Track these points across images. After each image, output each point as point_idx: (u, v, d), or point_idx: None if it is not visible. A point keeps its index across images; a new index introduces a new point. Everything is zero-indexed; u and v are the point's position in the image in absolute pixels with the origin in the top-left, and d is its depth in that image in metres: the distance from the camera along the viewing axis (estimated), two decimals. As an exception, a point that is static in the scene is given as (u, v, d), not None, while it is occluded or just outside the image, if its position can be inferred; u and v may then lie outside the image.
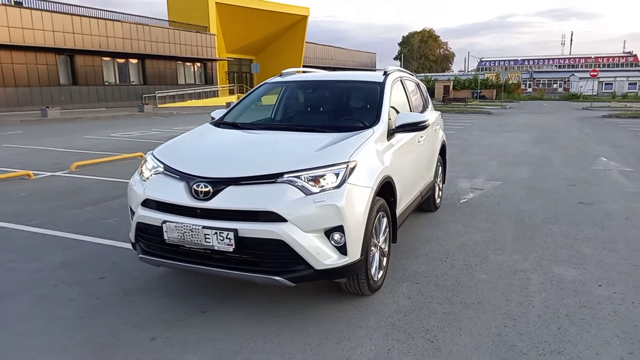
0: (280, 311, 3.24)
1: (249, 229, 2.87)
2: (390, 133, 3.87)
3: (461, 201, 6.40)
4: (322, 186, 2.98)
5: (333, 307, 3.30)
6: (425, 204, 5.65)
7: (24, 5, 24.02)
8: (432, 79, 63.91)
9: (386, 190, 3.62)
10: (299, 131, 3.77)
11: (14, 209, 5.84)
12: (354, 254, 3.04)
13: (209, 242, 2.94)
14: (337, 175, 3.03)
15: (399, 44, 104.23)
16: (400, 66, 60.26)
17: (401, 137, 4.07)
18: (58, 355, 2.72)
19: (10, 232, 4.97)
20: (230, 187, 2.97)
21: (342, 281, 3.29)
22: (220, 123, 4.23)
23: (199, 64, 34.83)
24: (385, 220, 3.59)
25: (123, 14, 29.14)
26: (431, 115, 5.54)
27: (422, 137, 4.68)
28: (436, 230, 5.09)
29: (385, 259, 3.68)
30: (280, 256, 2.92)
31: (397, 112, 4.18)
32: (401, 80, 4.78)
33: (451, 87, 55.63)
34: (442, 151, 5.98)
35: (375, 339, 2.89)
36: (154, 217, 3.12)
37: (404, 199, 4.16)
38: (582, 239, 4.80)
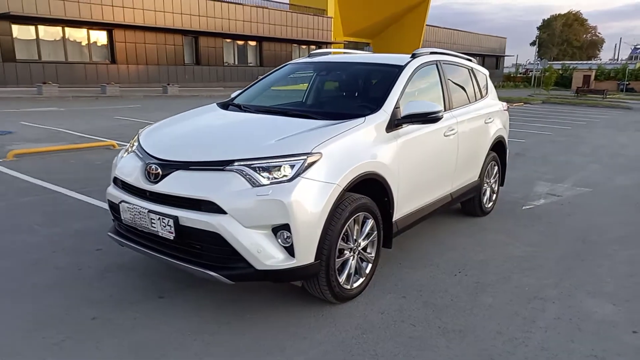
0: (233, 308, 3.03)
1: (188, 217, 2.69)
2: (396, 124, 3.40)
3: (524, 208, 5.57)
4: (275, 178, 2.69)
5: (291, 312, 3.01)
6: (469, 207, 5.01)
7: (157, -11, 26.22)
8: (571, 67, 57.89)
9: (374, 188, 3.20)
10: (293, 116, 3.45)
11: (77, 176, 6.34)
12: (305, 256, 2.71)
13: (155, 228, 2.83)
14: (292, 167, 2.71)
15: (538, 28, 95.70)
16: (537, 53, 55.47)
17: (413, 129, 3.56)
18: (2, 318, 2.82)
19: (59, 197, 5.39)
20: (178, 171, 2.81)
21: (298, 285, 2.99)
22: (229, 104, 4.09)
23: (314, 47, 35.28)
24: (370, 222, 3.18)
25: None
26: (483, 107, 4.85)
27: (452, 130, 4.08)
28: (469, 238, 4.46)
29: (370, 265, 3.28)
30: (220, 251, 2.70)
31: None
32: (437, 65, 4.21)
33: (592, 77, 49.85)
34: (499, 148, 5.22)
35: (309, 355, 2.56)
36: (117, 195, 3.09)
37: (413, 200, 3.68)
38: (652, 268, 3.87)
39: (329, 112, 3.57)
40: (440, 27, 46.76)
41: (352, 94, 4.07)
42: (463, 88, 4.63)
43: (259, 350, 2.60)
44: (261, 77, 4.53)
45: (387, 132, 3.33)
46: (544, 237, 4.55)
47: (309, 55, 4.67)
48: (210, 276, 2.69)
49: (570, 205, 5.72)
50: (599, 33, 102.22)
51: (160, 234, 2.81)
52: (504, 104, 5.50)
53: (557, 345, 2.72)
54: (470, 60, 5.11)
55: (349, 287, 3.10)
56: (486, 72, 5.34)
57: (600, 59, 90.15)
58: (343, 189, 2.85)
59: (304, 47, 34.72)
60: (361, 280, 3.22)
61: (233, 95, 4.38)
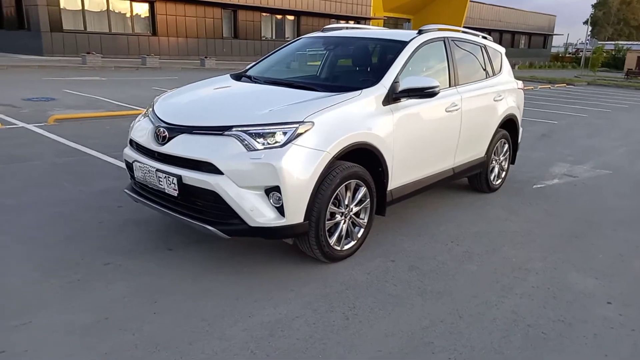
0: (233, 262, 3.32)
1: (190, 177, 2.97)
2: (394, 98, 3.56)
3: (535, 186, 5.61)
4: (268, 144, 2.92)
5: (285, 269, 3.27)
6: (476, 183, 5.12)
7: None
8: (624, 48, 55.12)
9: (369, 158, 3.39)
10: (297, 88, 3.65)
11: (110, 141, 6.77)
12: (294, 216, 2.95)
13: (162, 185, 3.13)
14: (285, 134, 2.93)
15: (593, 6, 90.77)
16: (590, 32, 52.84)
17: (413, 103, 3.70)
18: (17, 259, 3.20)
19: (91, 159, 5.82)
20: (183, 134, 3.08)
21: (289, 242, 3.24)
22: (241, 75, 4.32)
23: (352, 22, 34.96)
24: (363, 190, 3.38)
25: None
26: (494, 84, 4.90)
27: (455, 106, 4.18)
28: (470, 212, 4.59)
29: (362, 230, 3.49)
30: (217, 207, 2.97)
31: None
32: (445, 42, 4.30)
33: (648, 58, 47.32)
34: (510, 126, 5.26)
35: (293, 304, 2.83)
36: (131, 155, 3.41)
37: (410, 172, 3.84)
38: (647, 248, 3.91)
39: (330, 85, 3.77)
40: (485, 3, 45.22)
41: (356, 68, 4.24)
42: (472, 65, 4.69)
43: (247, 298, 2.88)
44: (276, 49, 4.74)
45: (384, 105, 3.49)
46: (545, 215, 4.63)
47: (322, 30, 4.83)
48: (208, 230, 2.97)
49: (584, 186, 5.72)
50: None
51: (166, 191, 3.11)
52: (519, 82, 5.51)
53: (528, 310, 2.88)
54: (485, 38, 5.14)
55: (339, 248, 3.33)
56: (502, 50, 5.35)
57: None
58: (333, 157, 3.06)
59: (342, 22, 34.44)
60: (352, 243, 3.44)
61: (248, 67, 4.61)
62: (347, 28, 4.91)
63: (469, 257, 3.59)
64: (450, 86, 4.23)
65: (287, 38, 31.69)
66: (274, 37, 30.88)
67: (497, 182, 5.28)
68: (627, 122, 12.07)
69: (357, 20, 34.79)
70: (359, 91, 3.40)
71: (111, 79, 15.77)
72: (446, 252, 3.67)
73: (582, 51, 52.25)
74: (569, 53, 66.84)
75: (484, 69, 4.86)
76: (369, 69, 4.07)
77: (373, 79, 3.59)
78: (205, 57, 22.88)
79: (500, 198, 5.10)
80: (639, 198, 5.39)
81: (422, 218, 4.35)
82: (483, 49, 4.93)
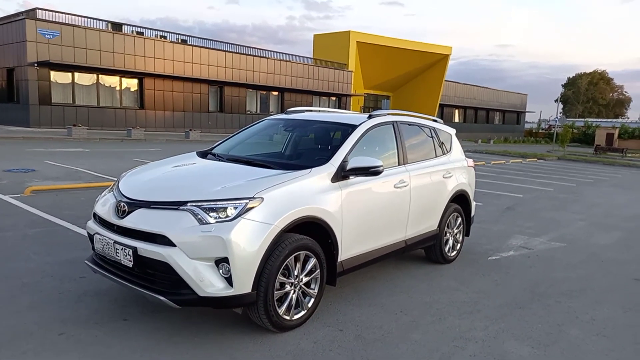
0: (186, 332, 3.44)
1: (145, 248, 3.17)
2: (343, 176, 3.88)
3: (489, 258, 5.87)
4: (220, 218, 3.17)
5: (235, 338, 3.40)
6: (431, 254, 5.36)
7: (188, 42, 28.07)
8: (594, 124, 57.91)
9: (318, 231, 3.64)
10: (255, 165, 3.95)
11: (84, 212, 6.93)
12: (242, 286, 3.14)
13: (118, 256, 3.32)
14: (235, 208, 3.19)
15: (563, 86, 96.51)
16: (561, 109, 55.82)
17: (362, 180, 4.02)
18: (-14, 331, 3.30)
19: (62, 230, 5.97)
20: (142, 209, 3.32)
21: (238, 312, 3.39)
22: (208, 153, 4.64)
23: (333, 98, 36.60)
24: (313, 261, 3.60)
25: (269, 51, 32.27)
26: (443, 162, 5.29)
27: (404, 183, 4.52)
28: (423, 283, 4.80)
29: (312, 300, 3.66)
30: (169, 278, 3.15)
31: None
32: (394, 125, 4.71)
33: (616, 135, 49.67)
34: (462, 201, 5.60)
35: (237, 373, 2.95)
36: (93, 228, 3.62)
37: (360, 244, 4.08)
38: (585, 319, 4.12)
39: (286, 163, 4.09)
40: (460, 82, 47.87)
41: (313, 148, 4.60)
42: (421, 145, 5.10)
43: (194, 366, 3.00)
44: (242, 128, 5.12)
45: (333, 182, 3.80)
46: (495, 286, 4.85)
47: (286, 112, 5.24)
48: (160, 300, 3.13)
49: (537, 259, 5.99)
50: (625, 92, 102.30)
51: (122, 262, 3.30)
52: (470, 160, 5.93)
53: (461, 378, 3.03)
54: (435, 121, 5.61)
55: (288, 317, 3.48)
56: (452, 131, 5.81)
57: (628, 118, 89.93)
58: (282, 230, 3.30)
59: (324, 98, 36.05)
60: (302, 312, 3.60)
61: (215, 144, 4.95)
62: (309, 111, 5.33)
63: (415, 327, 3.76)
64: (399, 164, 4.60)
65: (272, 112, 32.94)
66: (258, 111, 32.08)
67: (452, 254, 5.53)
68: (590, 195, 12.60)
69: (339, 96, 36.42)
70: (309, 169, 3.72)
71: (94, 151, 16.14)
72: (394, 321, 3.83)
73: (554, 127, 54.78)
74: (543, 129, 69.85)
75: (434, 149, 5.28)
76: (322, 149, 4.43)
77: (324, 158, 3.93)
78: (190, 130, 23.58)
79: (455, 269, 5.33)
80: (588, 269, 5.66)
81: (375, 288, 4.53)
82: (432, 130, 5.37)
